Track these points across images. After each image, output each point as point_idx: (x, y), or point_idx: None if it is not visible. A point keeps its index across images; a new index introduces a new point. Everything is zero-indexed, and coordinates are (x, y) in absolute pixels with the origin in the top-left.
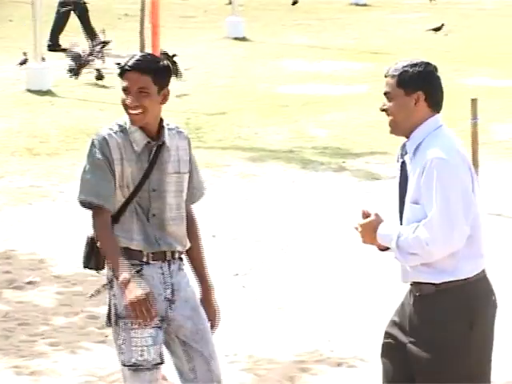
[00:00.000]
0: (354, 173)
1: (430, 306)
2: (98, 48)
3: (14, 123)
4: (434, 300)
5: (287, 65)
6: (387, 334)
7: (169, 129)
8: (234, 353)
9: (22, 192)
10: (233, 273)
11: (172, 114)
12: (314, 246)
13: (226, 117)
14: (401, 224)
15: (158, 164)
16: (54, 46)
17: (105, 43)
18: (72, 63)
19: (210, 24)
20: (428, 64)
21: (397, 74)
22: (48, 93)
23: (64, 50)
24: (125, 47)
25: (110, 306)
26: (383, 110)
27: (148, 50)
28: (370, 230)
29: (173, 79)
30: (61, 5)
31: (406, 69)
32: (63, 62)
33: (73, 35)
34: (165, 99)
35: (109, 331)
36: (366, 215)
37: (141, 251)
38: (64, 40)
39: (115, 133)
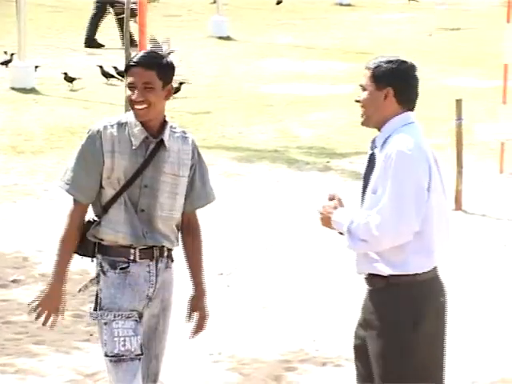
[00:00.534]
0: (339, 172)
1: (380, 302)
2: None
3: None
4: (384, 295)
5: (272, 64)
6: (355, 335)
7: (173, 131)
8: (218, 352)
9: (6, 190)
10: (217, 272)
11: None
12: (299, 245)
13: (211, 116)
14: None
15: (154, 161)
16: (90, 41)
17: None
18: None
19: (194, 23)
20: (404, 62)
21: (372, 67)
22: (32, 91)
23: (100, 46)
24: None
25: (96, 299)
26: (357, 101)
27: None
28: (327, 216)
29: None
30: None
31: (380, 64)
32: (47, 60)
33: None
34: (169, 94)
35: (94, 329)
36: (330, 198)
37: (128, 248)
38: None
39: (112, 126)
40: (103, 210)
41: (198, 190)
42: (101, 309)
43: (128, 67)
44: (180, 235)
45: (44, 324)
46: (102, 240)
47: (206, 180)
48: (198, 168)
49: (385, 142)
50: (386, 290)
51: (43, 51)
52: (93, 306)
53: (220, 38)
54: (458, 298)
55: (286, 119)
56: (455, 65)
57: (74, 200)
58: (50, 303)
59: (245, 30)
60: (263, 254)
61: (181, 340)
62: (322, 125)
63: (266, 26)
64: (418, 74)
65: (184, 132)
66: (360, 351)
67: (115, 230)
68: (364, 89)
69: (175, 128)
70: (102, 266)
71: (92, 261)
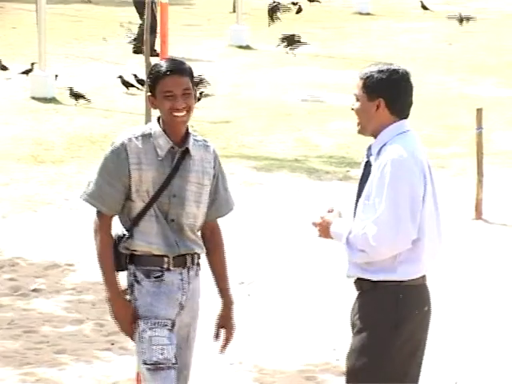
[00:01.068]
0: None
1: (364, 303)
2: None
3: (18, 131)
4: (368, 297)
5: (291, 73)
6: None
7: (195, 140)
8: (239, 361)
9: (26, 199)
10: (238, 281)
11: None
12: (320, 254)
13: (231, 125)
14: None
15: (180, 170)
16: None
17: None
18: None
19: (213, 32)
20: (395, 71)
21: (364, 77)
22: (52, 100)
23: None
24: (126, 55)
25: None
26: (353, 110)
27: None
28: (325, 227)
29: None
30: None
31: (371, 74)
32: (67, 69)
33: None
34: (196, 99)
35: (115, 338)
36: (329, 211)
37: (162, 257)
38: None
39: (136, 138)
40: (133, 223)
41: (221, 198)
42: (137, 317)
43: (160, 77)
44: (203, 244)
45: (133, 337)
46: (134, 251)
47: (226, 188)
48: (220, 177)
49: (380, 151)
50: (371, 292)
51: (63, 60)
52: None
53: (240, 47)
54: (476, 306)
55: (306, 128)
56: (475, 74)
57: (98, 212)
58: (124, 315)
59: (264, 39)
60: (284, 263)
61: (202, 349)
62: (341, 134)
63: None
64: (437, 82)
65: (205, 141)
66: None
67: (148, 241)
68: (356, 98)
69: (196, 136)
70: (135, 276)
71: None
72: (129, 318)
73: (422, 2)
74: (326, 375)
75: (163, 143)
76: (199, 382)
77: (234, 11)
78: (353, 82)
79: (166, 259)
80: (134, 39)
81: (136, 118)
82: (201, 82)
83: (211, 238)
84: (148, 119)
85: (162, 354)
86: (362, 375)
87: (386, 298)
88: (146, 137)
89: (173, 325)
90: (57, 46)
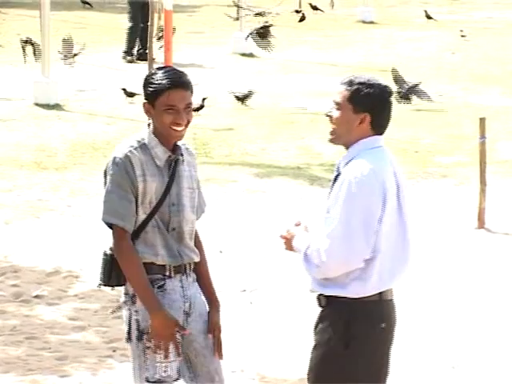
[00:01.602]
0: None
1: (320, 319)
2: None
3: (21, 137)
4: (323, 314)
5: (294, 81)
6: None
7: (181, 144)
8: (240, 369)
9: (29, 206)
10: (240, 289)
11: None
12: None
13: (233, 132)
14: None
15: (176, 178)
16: (128, 54)
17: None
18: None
19: (217, 40)
20: (384, 87)
21: (351, 88)
22: (55, 107)
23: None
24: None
25: (130, 321)
26: (328, 116)
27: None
28: (288, 243)
29: None
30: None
31: (361, 87)
32: (70, 76)
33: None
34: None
35: (117, 345)
36: (297, 225)
37: (164, 265)
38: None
39: (135, 149)
40: (136, 235)
41: (201, 200)
42: (141, 331)
43: (164, 89)
44: None
45: (166, 356)
46: None
47: (199, 190)
48: (197, 178)
49: (347, 164)
50: (326, 308)
51: (67, 67)
52: (126, 328)
53: (243, 54)
54: (479, 314)
55: (309, 136)
56: (478, 83)
57: (117, 232)
58: (165, 331)
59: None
60: (286, 271)
61: None
62: None
63: (289, 42)
64: (440, 91)
65: (184, 144)
66: None
67: (153, 253)
68: (338, 107)
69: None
70: None
71: (113, 289)
72: (173, 331)
73: (426, 11)
74: None
75: (161, 153)
76: None
77: (238, 19)
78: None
79: (167, 267)
80: (127, 49)
81: (139, 125)
82: (202, 107)
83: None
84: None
85: (165, 371)
86: None
87: (337, 315)
88: (143, 147)
89: (179, 335)
90: (60, 53)
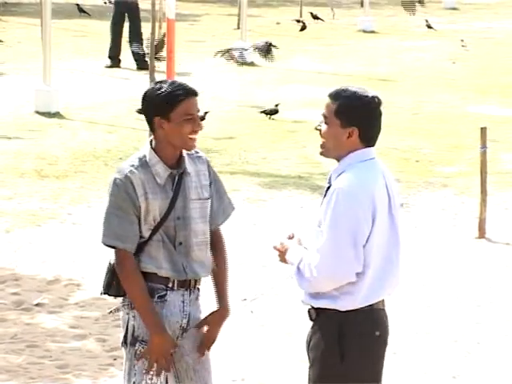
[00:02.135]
0: None
1: (312, 333)
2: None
3: (22, 145)
4: (314, 327)
5: (295, 90)
6: None
7: (188, 154)
8: (241, 378)
9: (30, 214)
10: (241, 298)
11: None
12: None
13: (234, 141)
14: None
15: (181, 191)
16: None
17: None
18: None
19: (217, 48)
20: (372, 99)
21: (338, 102)
22: (56, 115)
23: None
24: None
25: (127, 325)
26: (318, 130)
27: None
28: (283, 256)
29: None
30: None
31: (347, 100)
32: (71, 84)
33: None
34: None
35: (118, 354)
36: (290, 237)
37: (168, 277)
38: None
39: (136, 168)
40: (140, 249)
41: (216, 207)
42: (135, 338)
43: (180, 99)
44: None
45: (158, 374)
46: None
47: (222, 194)
48: (214, 184)
49: (338, 177)
50: (317, 321)
51: (68, 75)
52: (123, 331)
53: (244, 63)
54: (482, 325)
55: (310, 145)
56: (478, 92)
57: (119, 252)
58: (162, 352)
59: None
60: (287, 280)
61: None
62: None
63: (290, 52)
64: (440, 101)
65: (196, 152)
66: None
67: (156, 265)
68: (326, 121)
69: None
70: None
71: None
72: (168, 354)
73: (426, 20)
74: None
75: (161, 171)
76: None
77: (239, 28)
78: None
79: (171, 279)
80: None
81: (140, 134)
82: (203, 119)
83: (213, 247)
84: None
85: (151, 379)
86: None
87: (328, 329)
88: (144, 166)
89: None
90: (61, 61)
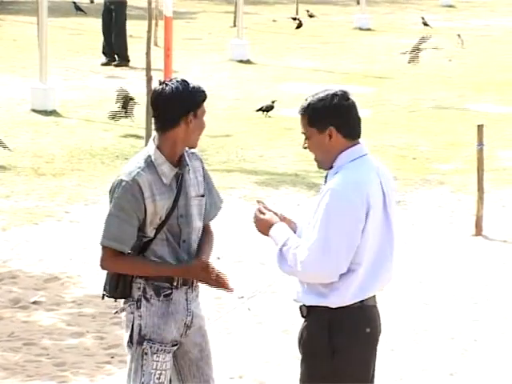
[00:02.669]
0: None
1: (303, 330)
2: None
3: (19, 143)
4: (305, 324)
5: (291, 88)
6: None
7: (185, 151)
8: (239, 375)
9: (27, 212)
10: (238, 295)
11: None
12: None
13: (231, 139)
14: None
15: (183, 189)
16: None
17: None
18: None
19: (214, 46)
20: (334, 95)
21: (306, 113)
22: (53, 113)
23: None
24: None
25: (133, 325)
26: (305, 148)
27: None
28: (264, 226)
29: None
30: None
31: (313, 106)
32: (67, 82)
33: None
34: None
35: (115, 351)
36: (260, 211)
37: (173, 276)
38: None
39: (143, 170)
40: (144, 247)
41: (208, 203)
42: (142, 336)
43: (203, 98)
44: None
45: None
46: None
47: (211, 188)
48: (205, 180)
49: (331, 179)
50: (307, 319)
51: (64, 73)
52: (128, 331)
53: (240, 61)
54: (479, 322)
55: None
56: (475, 90)
57: (112, 251)
58: (198, 274)
59: (265, 53)
60: (283, 278)
61: None
62: None
63: (286, 49)
64: (437, 98)
65: (189, 149)
66: None
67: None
68: (306, 136)
69: None
70: (145, 292)
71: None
72: (206, 270)
73: (422, 18)
74: None
75: (167, 170)
76: None
77: (235, 25)
78: (353, 95)
79: (176, 277)
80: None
81: (136, 132)
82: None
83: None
84: (148, 132)
85: (158, 378)
86: None
87: (319, 325)
88: (150, 166)
89: (176, 346)
90: (58, 59)
